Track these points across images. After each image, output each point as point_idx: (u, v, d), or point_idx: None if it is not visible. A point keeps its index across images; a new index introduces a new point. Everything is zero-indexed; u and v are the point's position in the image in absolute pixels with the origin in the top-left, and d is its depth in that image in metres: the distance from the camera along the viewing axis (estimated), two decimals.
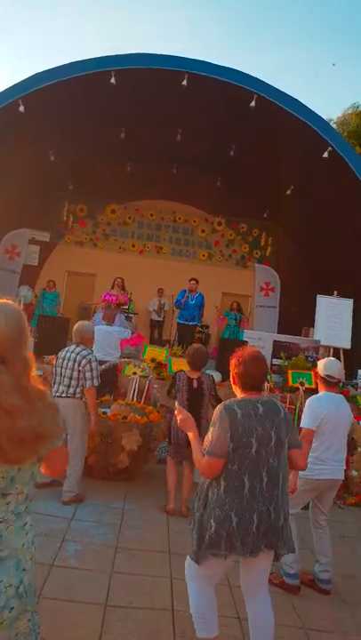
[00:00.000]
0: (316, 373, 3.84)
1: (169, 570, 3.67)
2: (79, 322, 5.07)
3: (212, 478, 2.43)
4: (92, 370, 4.68)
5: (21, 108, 8.10)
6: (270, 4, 59.44)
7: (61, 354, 4.85)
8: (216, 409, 2.48)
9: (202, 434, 2.72)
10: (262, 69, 64.39)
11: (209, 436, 2.44)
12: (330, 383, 3.72)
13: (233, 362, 2.58)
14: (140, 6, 65.44)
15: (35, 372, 1.60)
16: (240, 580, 2.65)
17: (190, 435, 2.59)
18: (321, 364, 3.83)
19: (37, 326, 7.93)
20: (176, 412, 2.72)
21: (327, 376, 3.72)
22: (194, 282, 9.57)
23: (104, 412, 5.39)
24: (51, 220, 13.22)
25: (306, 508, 3.81)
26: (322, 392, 3.76)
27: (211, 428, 2.45)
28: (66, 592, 3.21)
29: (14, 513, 1.56)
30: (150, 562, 3.75)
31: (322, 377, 3.75)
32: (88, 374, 4.67)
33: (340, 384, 4.00)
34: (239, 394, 2.58)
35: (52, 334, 7.46)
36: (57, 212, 13.38)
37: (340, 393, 7.32)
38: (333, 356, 8.52)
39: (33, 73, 8.30)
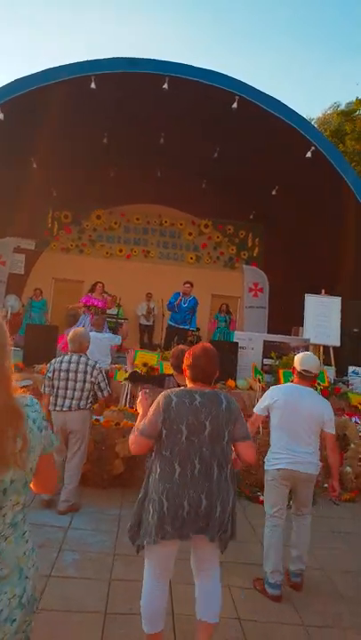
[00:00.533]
0: (293, 368, 3.81)
1: None
2: (75, 330, 5.02)
3: (137, 454, 2.64)
4: (104, 379, 4.73)
5: (0, 116, 8.06)
6: (250, 5, 59.89)
7: (61, 365, 4.66)
8: (159, 395, 2.62)
9: None
10: (244, 71, 64.79)
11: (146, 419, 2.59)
12: (305, 377, 3.73)
13: (186, 355, 2.74)
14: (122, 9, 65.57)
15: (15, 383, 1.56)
16: (191, 556, 2.79)
17: (140, 412, 2.76)
18: (298, 358, 3.82)
19: (25, 335, 7.87)
20: (140, 395, 2.88)
21: (304, 371, 3.73)
22: (188, 285, 9.56)
23: (97, 419, 5.36)
24: (35, 228, 13.15)
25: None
26: (289, 383, 3.83)
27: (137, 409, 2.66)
28: (64, 602, 3.18)
29: (11, 525, 1.54)
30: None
31: (299, 372, 3.74)
32: (103, 384, 4.70)
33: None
34: (188, 384, 2.71)
35: (41, 343, 7.42)
36: (41, 219, 13.32)
37: (332, 389, 7.40)
38: (324, 354, 8.61)
39: (12, 79, 8.27)
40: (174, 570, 3.51)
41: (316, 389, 7.02)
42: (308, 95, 53.45)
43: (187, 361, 2.70)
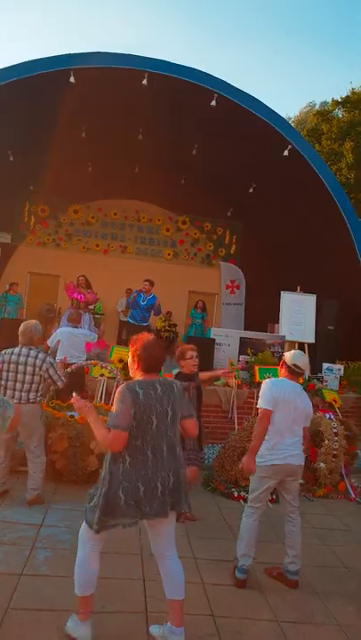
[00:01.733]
0: (283, 362, 3.88)
1: (142, 572, 3.64)
2: (25, 322, 4.96)
3: (117, 451, 2.66)
4: (56, 370, 4.69)
5: None
6: (225, 4, 59.95)
7: (11, 357, 4.64)
8: (119, 388, 2.73)
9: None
10: (224, 69, 64.83)
11: (112, 412, 2.68)
12: (294, 372, 3.81)
13: (135, 347, 2.83)
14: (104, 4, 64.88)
15: None
16: (151, 544, 2.95)
17: (90, 418, 2.80)
18: (289, 353, 3.93)
19: (1, 329, 7.74)
20: (72, 400, 2.94)
21: (294, 365, 3.81)
22: (147, 283, 9.20)
23: (72, 416, 5.31)
24: (11, 221, 12.95)
25: (277, 501, 3.85)
26: (281, 377, 3.86)
27: (113, 407, 2.69)
28: (37, 601, 3.14)
29: None
30: (123, 565, 3.72)
31: (288, 365, 3.82)
32: (55, 376, 4.67)
33: (305, 377, 4.06)
34: (139, 376, 2.81)
35: (15, 337, 7.28)
36: (17, 212, 13.13)
37: (306, 386, 7.48)
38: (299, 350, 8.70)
39: None
40: (148, 568, 3.51)
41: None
42: (288, 93, 53.86)
43: (139, 352, 2.80)
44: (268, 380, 3.83)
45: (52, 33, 62.74)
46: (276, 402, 3.65)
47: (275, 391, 3.68)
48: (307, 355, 8.64)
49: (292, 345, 8.75)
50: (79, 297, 8.94)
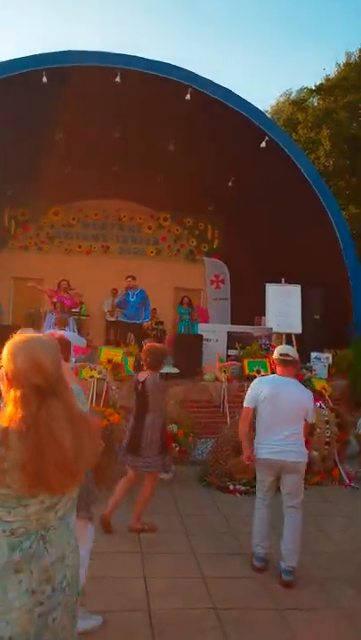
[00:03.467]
0: (273, 361, 4.03)
1: (142, 570, 3.66)
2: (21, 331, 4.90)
3: None
4: None
5: None
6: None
7: None
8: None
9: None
10: (198, 63, 64.71)
11: None
12: (285, 362, 3.88)
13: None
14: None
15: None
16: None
17: None
18: (276, 350, 4.08)
19: None
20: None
21: (281, 355, 3.90)
22: (130, 279, 9.22)
23: None
24: None
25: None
26: (271, 375, 3.99)
27: None
28: None
29: (61, 518, 1.64)
30: (121, 563, 3.73)
31: (277, 359, 3.91)
32: None
33: (296, 365, 4.11)
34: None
35: (1, 342, 7.23)
36: None
37: (295, 376, 7.53)
38: (286, 342, 8.75)
39: None
40: (148, 565, 3.53)
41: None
42: (264, 84, 53.89)
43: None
44: (255, 379, 4.00)
45: (31, 35, 62.11)
46: (260, 399, 3.75)
47: (258, 388, 3.82)
48: (295, 345, 8.71)
49: (279, 336, 8.80)
50: (64, 300, 8.84)
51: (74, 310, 9.59)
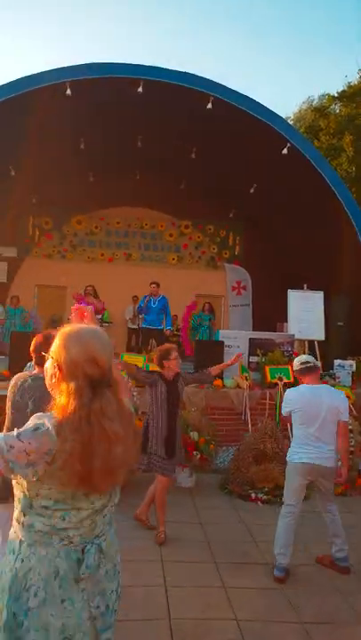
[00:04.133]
0: (294, 372, 4.13)
1: (163, 579, 3.64)
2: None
3: None
4: None
5: None
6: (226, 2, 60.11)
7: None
8: None
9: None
10: (218, 69, 65.04)
11: None
12: (309, 370, 3.97)
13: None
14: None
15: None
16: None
17: None
18: (295, 361, 4.17)
19: (10, 343, 7.78)
20: None
21: (302, 364, 4.00)
22: (154, 285, 9.51)
23: None
24: (16, 236, 13.04)
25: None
26: (301, 385, 4.02)
27: None
28: None
29: (109, 523, 1.64)
30: (142, 572, 3.71)
31: (298, 370, 3.96)
32: None
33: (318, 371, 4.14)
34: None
35: (27, 350, 7.31)
36: (22, 226, 13.22)
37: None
38: (308, 349, 8.66)
39: None
40: (169, 574, 3.51)
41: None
42: (286, 90, 53.85)
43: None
44: (289, 389, 4.22)
45: (47, 49, 63.33)
46: (293, 409, 3.90)
47: (288, 400, 3.99)
48: (318, 353, 8.61)
49: (301, 343, 8.71)
50: (90, 306, 8.91)
51: (97, 317, 9.65)
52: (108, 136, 9.86)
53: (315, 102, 23.88)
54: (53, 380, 1.57)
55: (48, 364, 1.60)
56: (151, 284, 9.55)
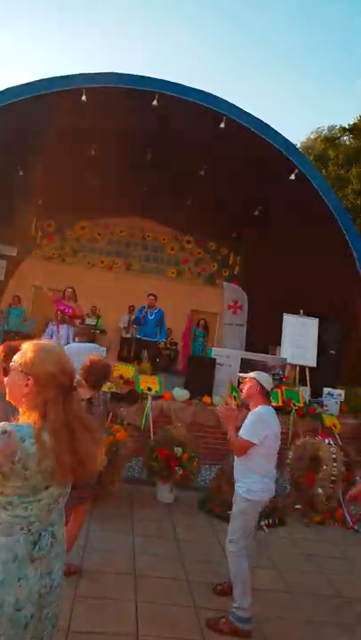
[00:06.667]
0: (260, 391, 3.54)
1: (134, 593, 3.58)
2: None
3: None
4: None
5: None
6: (240, 27, 61.20)
7: None
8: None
9: None
10: (232, 93, 65.87)
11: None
12: (268, 394, 3.58)
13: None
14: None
15: None
16: None
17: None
18: (265, 378, 3.61)
19: (3, 343, 7.74)
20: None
21: (273, 382, 3.74)
22: (152, 297, 9.50)
23: None
24: (18, 235, 13.05)
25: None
26: (265, 405, 3.50)
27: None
28: None
29: (60, 511, 1.81)
30: (115, 584, 3.66)
31: (268, 391, 3.57)
32: None
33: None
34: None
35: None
36: (25, 226, 13.24)
37: (305, 410, 7.45)
38: (299, 375, 8.65)
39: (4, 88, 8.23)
40: (141, 588, 3.46)
41: (291, 410, 7.07)
42: (296, 119, 54.62)
43: None
44: (266, 411, 3.49)
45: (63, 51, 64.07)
46: (269, 432, 3.42)
47: (269, 425, 3.46)
48: (308, 379, 8.62)
49: (292, 368, 8.71)
50: (67, 310, 8.61)
51: (88, 322, 9.58)
52: (119, 145, 9.93)
53: (324, 132, 24.25)
54: (24, 392, 1.71)
55: (13, 377, 1.75)
56: (149, 295, 9.55)
